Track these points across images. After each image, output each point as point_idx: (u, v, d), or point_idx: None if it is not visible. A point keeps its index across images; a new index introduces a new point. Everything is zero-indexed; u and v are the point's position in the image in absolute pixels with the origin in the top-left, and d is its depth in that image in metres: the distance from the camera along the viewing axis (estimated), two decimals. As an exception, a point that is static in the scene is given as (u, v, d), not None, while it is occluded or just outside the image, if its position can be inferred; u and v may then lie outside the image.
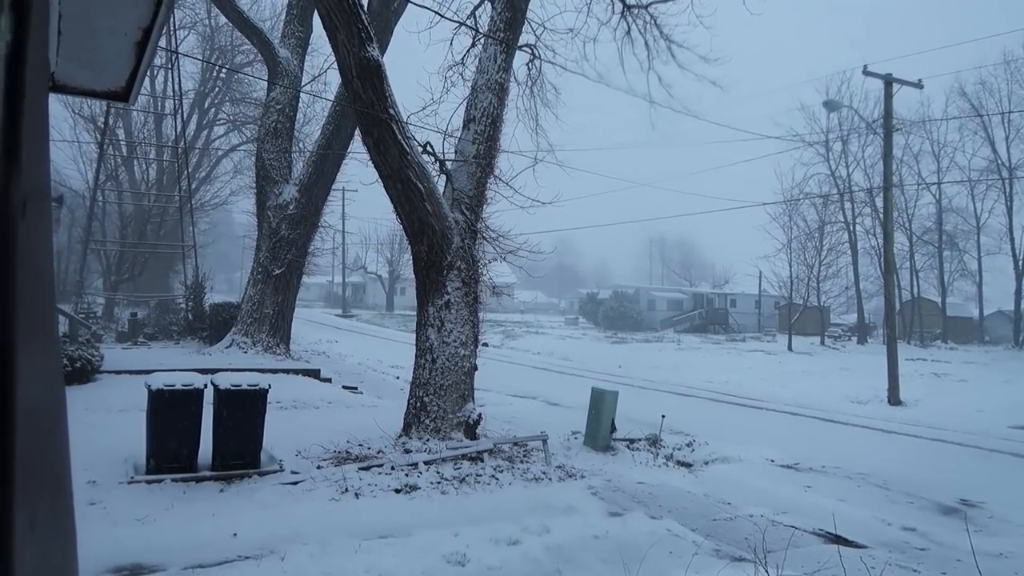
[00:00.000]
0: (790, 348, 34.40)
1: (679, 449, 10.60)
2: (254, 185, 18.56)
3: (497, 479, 8.10)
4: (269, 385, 7.55)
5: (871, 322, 46.12)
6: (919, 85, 20.41)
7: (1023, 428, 15.34)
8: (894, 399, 18.84)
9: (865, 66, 20.16)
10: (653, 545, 5.99)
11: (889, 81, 20.11)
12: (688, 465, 9.92)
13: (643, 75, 11.52)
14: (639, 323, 48.94)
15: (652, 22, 11.50)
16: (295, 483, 7.27)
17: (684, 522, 6.98)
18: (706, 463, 9.99)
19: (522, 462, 8.93)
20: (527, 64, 11.35)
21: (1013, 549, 6.84)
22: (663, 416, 11.24)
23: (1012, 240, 39.85)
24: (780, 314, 48.24)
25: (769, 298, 51.69)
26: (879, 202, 28.80)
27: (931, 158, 42.48)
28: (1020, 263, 39.56)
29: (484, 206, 10.36)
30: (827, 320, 42.91)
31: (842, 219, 41.93)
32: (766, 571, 4.29)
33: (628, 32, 11.65)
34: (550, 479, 8.40)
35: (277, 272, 16.88)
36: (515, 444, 9.62)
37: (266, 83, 18.77)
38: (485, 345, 13.63)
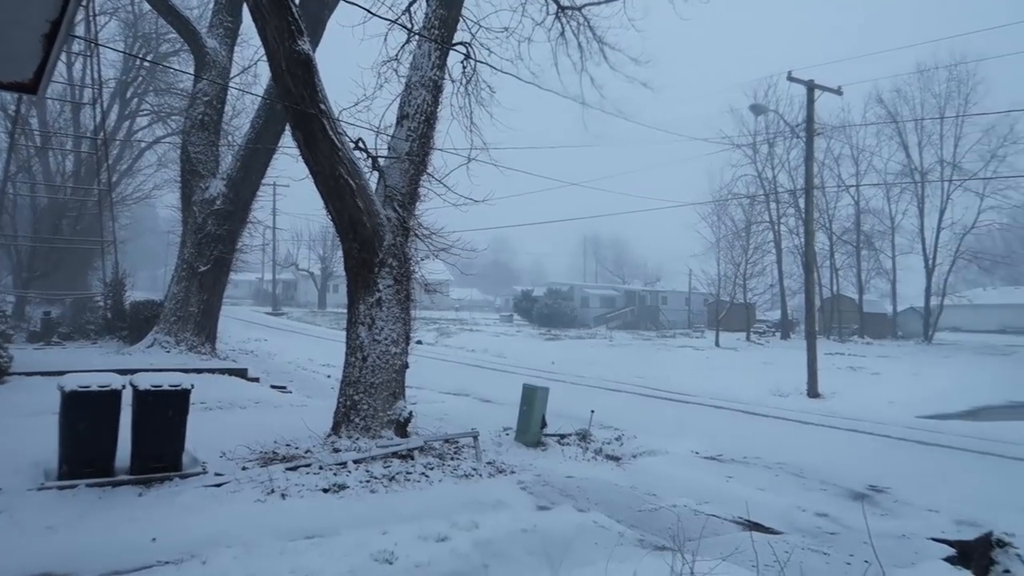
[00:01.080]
0: (717, 344, 35.49)
1: (608, 443, 10.84)
2: (179, 179, 17.93)
3: (428, 476, 8.12)
4: (192, 385, 7.34)
5: (794, 318, 47.98)
6: (839, 92, 21.36)
7: (929, 418, 16.30)
8: (813, 392, 19.71)
9: (789, 72, 20.99)
10: (579, 537, 6.13)
11: (811, 87, 20.98)
12: (616, 459, 10.15)
13: (577, 76, 11.68)
14: (573, 320, 49.56)
15: (585, 24, 11.68)
16: (219, 485, 7.11)
17: (611, 514, 7.16)
18: (634, 456, 10.25)
19: (453, 459, 8.97)
20: (462, 62, 11.36)
21: (914, 530, 7.29)
22: (592, 411, 11.47)
23: (923, 240, 42.16)
24: (709, 311, 49.67)
25: (699, 295, 53.16)
26: (802, 203, 29.96)
27: (850, 161, 44.60)
28: (930, 262, 41.87)
29: (417, 203, 10.33)
30: (753, 316, 44.41)
31: (767, 219, 43.56)
32: (683, 558, 4.46)
33: (562, 33, 11.80)
34: (480, 475, 8.47)
35: (203, 269, 16.38)
36: (446, 441, 9.65)
37: (193, 74, 18.16)
38: (418, 343, 13.61)
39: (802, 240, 27.90)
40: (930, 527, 7.41)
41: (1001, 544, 6.99)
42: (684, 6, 11.55)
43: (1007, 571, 6.67)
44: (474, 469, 8.63)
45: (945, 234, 41.35)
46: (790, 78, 21.00)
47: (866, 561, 5.81)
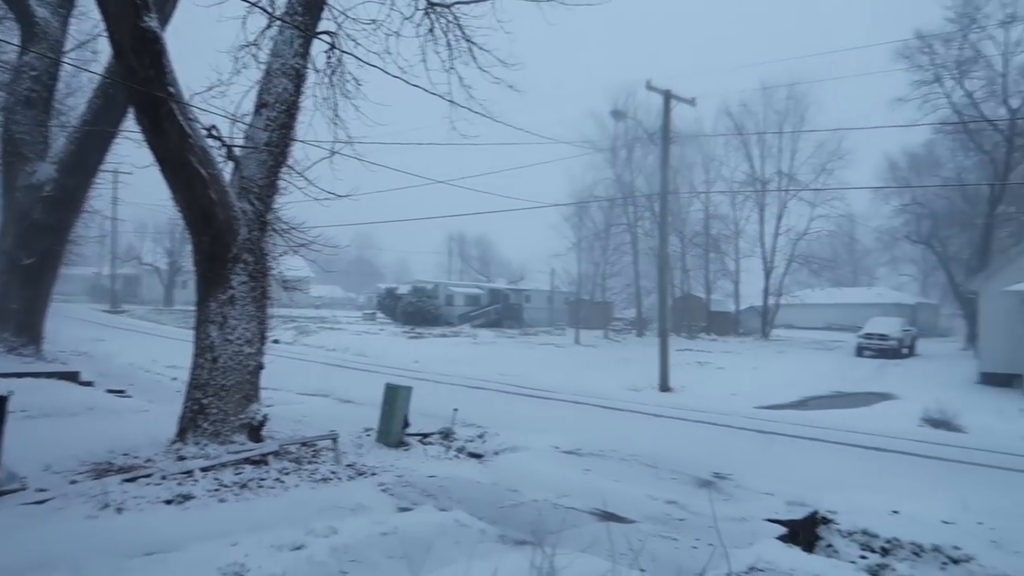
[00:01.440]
0: (577, 341, 36.71)
1: (471, 441, 10.87)
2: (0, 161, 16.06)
3: (283, 482, 7.76)
4: (11, 391, 6.58)
5: (648, 316, 50.54)
6: (693, 103, 22.62)
7: (765, 408, 17.72)
8: (665, 386, 20.84)
9: (648, 81, 21.92)
10: (440, 536, 6.09)
11: (668, 97, 22.07)
12: (479, 456, 10.21)
13: (446, 74, 11.58)
14: (438, 318, 49.45)
15: (455, 22, 11.61)
16: (42, 502, 6.42)
17: (472, 511, 7.17)
18: (496, 453, 10.34)
19: (310, 463, 8.64)
20: (326, 52, 10.94)
21: (752, 512, 7.86)
22: (456, 409, 11.47)
23: (763, 245, 45.91)
24: (570, 309, 51.25)
25: (561, 294, 54.70)
26: (658, 207, 31.55)
27: (701, 169, 47.67)
28: (768, 265, 45.67)
29: (276, 196, 9.85)
30: (611, 315, 46.37)
31: (626, 221, 45.57)
32: (543, 552, 4.53)
33: (431, 30, 11.66)
34: (340, 478, 8.21)
35: (27, 262, 14.76)
36: (303, 444, 9.29)
37: (18, 45, 16.32)
38: (275, 342, 13.02)
39: (657, 242, 29.40)
40: (766, 509, 8.01)
41: (825, 521, 7.72)
42: (552, 11, 11.77)
43: (829, 545, 7.37)
44: (333, 472, 8.36)
45: (782, 239, 45.31)
46: (649, 87, 21.99)
47: (710, 544, 6.19)
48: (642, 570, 5.11)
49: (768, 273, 45.73)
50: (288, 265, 11.11)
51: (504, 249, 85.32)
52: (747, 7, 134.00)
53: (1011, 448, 12.69)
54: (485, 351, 31.68)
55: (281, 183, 9.88)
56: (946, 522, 7.46)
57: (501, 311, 54.35)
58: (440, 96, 11.26)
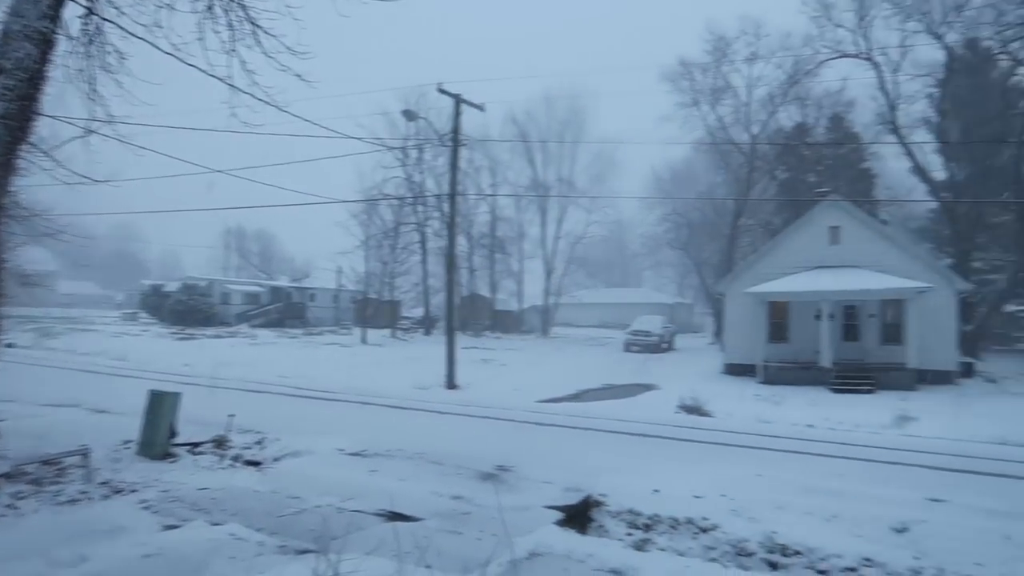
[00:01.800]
0: (364, 341, 36.15)
1: (248, 448, 10.24)
2: None
3: (17, 508, 6.73)
4: None
5: (436, 315, 51.20)
6: (482, 108, 23.15)
7: (545, 402, 18.75)
8: (451, 384, 21.23)
9: (439, 84, 22.13)
10: (214, 554, 5.67)
11: (458, 101, 22.41)
12: (257, 464, 9.65)
13: (227, 57, 10.73)
14: (212, 318, 45.98)
15: (237, 2, 10.83)
16: None
17: (249, 523, 6.76)
18: (276, 459, 9.85)
19: (54, 483, 7.58)
20: (82, 18, 9.64)
21: (533, 501, 8.29)
22: (232, 415, 10.74)
23: (544, 247, 48.74)
24: (356, 308, 50.30)
25: (348, 292, 53.53)
26: (447, 207, 32.03)
27: (488, 172, 49.23)
28: (548, 266, 48.51)
29: (12, 177, 8.52)
30: (399, 313, 46.25)
31: (415, 221, 45.69)
32: (327, 559, 4.40)
33: (211, 8, 10.76)
34: (92, 498, 7.31)
35: None
36: (45, 463, 8.12)
37: None
38: (9, 346, 11.26)
39: (446, 242, 29.85)
40: (545, 497, 8.49)
41: (597, 504, 8.35)
42: (345, 4, 11.43)
43: (601, 525, 7.98)
44: (83, 492, 7.41)
45: (561, 242, 48.42)
46: (440, 90, 22.20)
47: (494, 534, 6.41)
48: (428, 566, 5.17)
49: (549, 274, 48.63)
50: (29, 257, 9.68)
51: (288, 245, 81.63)
52: (534, 19, 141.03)
53: (747, 428, 14.64)
54: (266, 352, 30.04)
55: (20, 163, 8.57)
56: (697, 496, 8.41)
57: (283, 310, 51.90)
58: (219, 79, 10.45)
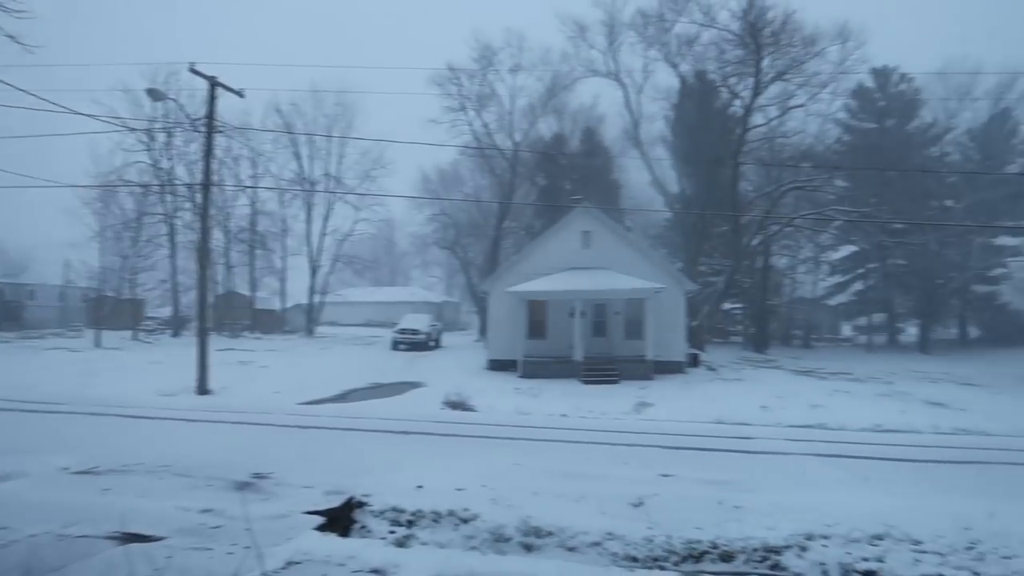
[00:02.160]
0: (98, 344, 32.07)
1: (-62, 474, 8.56)
2: None
3: None
4: None
5: (187, 315, 46.96)
6: (241, 94, 21.40)
7: (308, 404, 18.07)
8: (203, 389, 19.60)
9: (192, 64, 20.11)
10: None
11: (214, 84, 20.61)
12: (-49, 492, 8.09)
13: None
14: None
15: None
16: None
17: (-64, 564, 5.64)
18: (-23, 485, 8.34)
19: None
20: None
21: (292, 508, 7.90)
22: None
23: (310, 244, 46.83)
24: (89, 307, 44.42)
25: (78, 290, 47.13)
26: (200, 198, 29.48)
27: (249, 163, 46.14)
28: (314, 263, 46.77)
29: None
30: (142, 313, 41.67)
31: (162, 211, 41.39)
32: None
33: None
34: None
35: None
36: None
37: None
38: None
39: (198, 235, 27.44)
40: (305, 502, 8.14)
41: (360, 505, 8.21)
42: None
43: (363, 526, 7.85)
44: None
45: (328, 239, 46.95)
46: (192, 70, 20.22)
47: (247, 547, 6.00)
48: (168, 589, 4.69)
49: (314, 271, 46.88)
50: None
51: (-1, 234, 69.65)
52: (300, 8, 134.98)
53: (508, 421, 15.38)
54: (-34, 359, 25.37)
55: None
56: (459, 489, 8.62)
57: (-6, 309, 44.22)
58: None
